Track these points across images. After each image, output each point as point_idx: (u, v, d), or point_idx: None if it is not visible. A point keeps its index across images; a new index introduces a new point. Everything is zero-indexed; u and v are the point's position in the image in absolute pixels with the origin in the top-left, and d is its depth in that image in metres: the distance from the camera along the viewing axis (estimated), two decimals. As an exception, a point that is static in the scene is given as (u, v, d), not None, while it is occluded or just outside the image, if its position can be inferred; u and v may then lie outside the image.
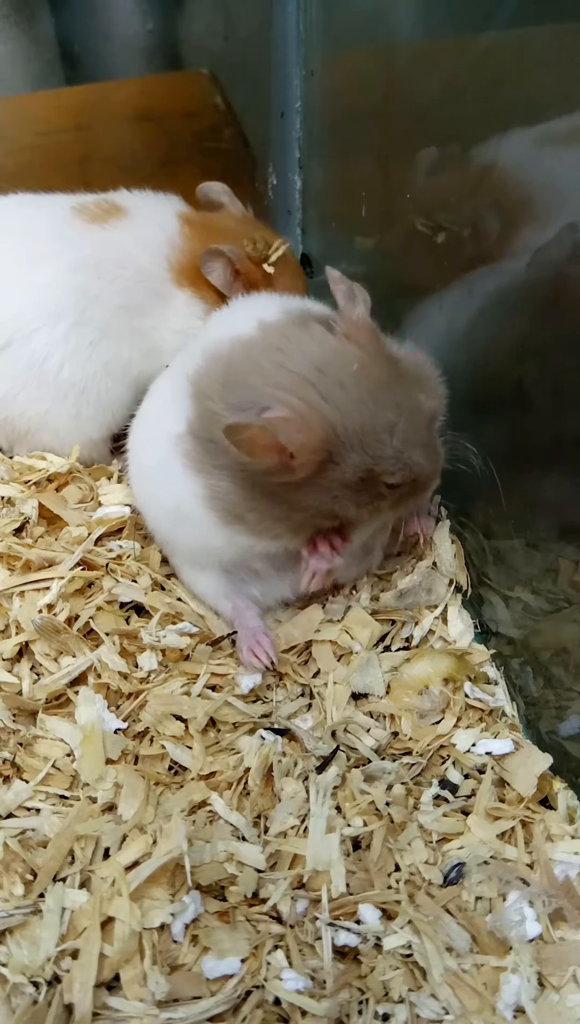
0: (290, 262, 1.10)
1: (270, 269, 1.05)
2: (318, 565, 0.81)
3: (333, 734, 0.79)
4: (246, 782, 0.75)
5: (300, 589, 0.85)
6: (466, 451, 0.84)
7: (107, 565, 0.89)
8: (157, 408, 0.90)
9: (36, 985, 0.60)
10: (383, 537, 0.90)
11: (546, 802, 0.76)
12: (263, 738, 0.78)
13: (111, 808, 0.72)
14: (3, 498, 0.97)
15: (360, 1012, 0.62)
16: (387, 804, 0.74)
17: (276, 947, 0.64)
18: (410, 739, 0.80)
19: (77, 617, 0.84)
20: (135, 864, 0.67)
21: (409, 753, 0.79)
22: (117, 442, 1.09)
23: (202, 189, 1.11)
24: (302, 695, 0.84)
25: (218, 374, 0.76)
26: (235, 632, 0.86)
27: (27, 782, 0.73)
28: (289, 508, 0.76)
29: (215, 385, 0.76)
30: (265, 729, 0.79)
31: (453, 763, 0.78)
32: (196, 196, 1.11)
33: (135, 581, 0.89)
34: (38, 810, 0.72)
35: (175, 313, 1.04)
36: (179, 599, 0.90)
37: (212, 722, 0.80)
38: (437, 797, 0.75)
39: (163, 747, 0.76)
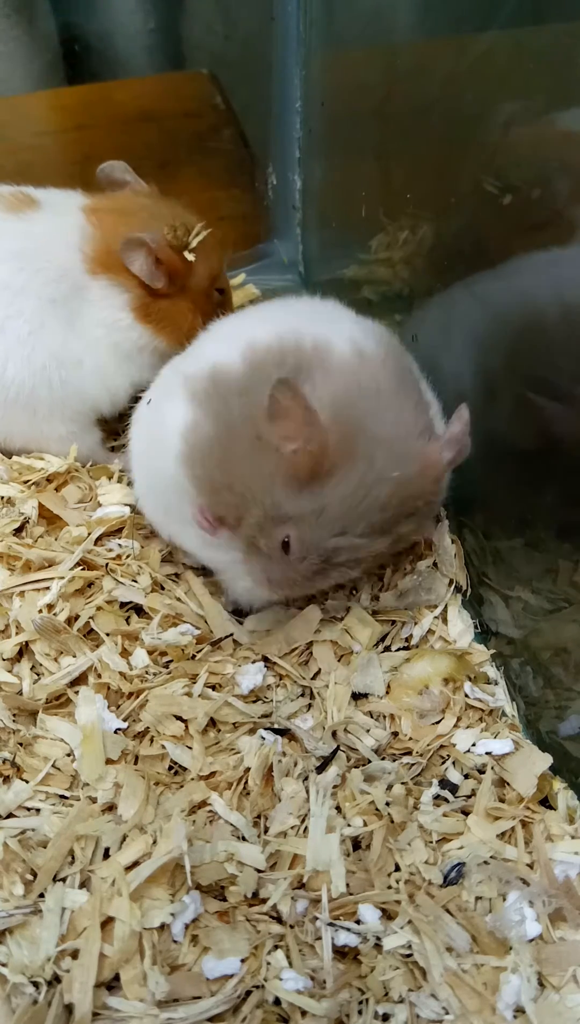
0: (210, 246, 1.04)
1: (191, 257, 1.00)
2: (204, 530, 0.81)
3: (333, 734, 0.79)
4: (246, 782, 0.75)
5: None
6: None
7: (107, 565, 0.89)
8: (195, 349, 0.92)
9: (36, 985, 0.60)
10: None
11: (546, 802, 0.76)
12: (263, 738, 0.78)
13: (111, 808, 0.72)
14: (3, 498, 0.97)
15: (360, 1012, 0.62)
16: (387, 804, 0.74)
17: (276, 947, 0.65)
18: (410, 739, 0.80)
19: (77, 617, 0.84)
20: (135, 864, 0.67)
21: (409, 753, 0.79)
22: (115, 441, 1.09)
23: (103, 169, 1.07)
24: (302, 695, 0.84)
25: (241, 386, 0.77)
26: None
27: (27, 782, 0.73)
28: (229, 487, 0.76)
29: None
30: (265, 729, 0.79)
31: (453, 763, 0.78)
32: (96, 178, 1.07)
33: (135, 581, 0.89)
34: (38, 810, 0.72)
35: (92, 305, 1.00)
36: (179, 599, 0.90)
37: (212, 722, 0.80)
38: (437, 797, 0.75)
39: (163, 747, 0.76)
